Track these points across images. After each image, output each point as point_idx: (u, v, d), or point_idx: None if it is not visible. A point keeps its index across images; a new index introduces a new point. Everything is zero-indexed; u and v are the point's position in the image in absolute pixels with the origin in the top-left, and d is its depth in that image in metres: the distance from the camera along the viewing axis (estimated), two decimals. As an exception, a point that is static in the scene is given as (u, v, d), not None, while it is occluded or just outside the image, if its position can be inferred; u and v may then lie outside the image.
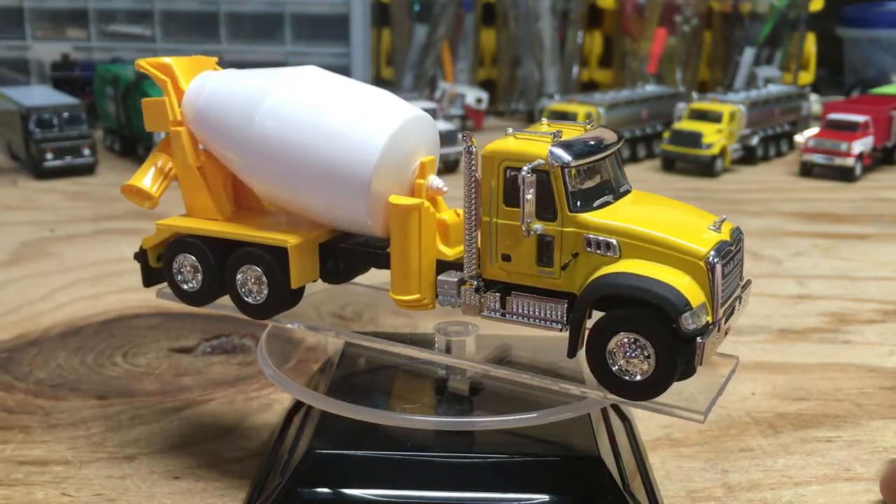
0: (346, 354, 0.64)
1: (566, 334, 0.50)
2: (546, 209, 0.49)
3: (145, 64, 0.60)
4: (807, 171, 1.75)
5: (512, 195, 0.49)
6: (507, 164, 0.49)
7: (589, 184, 0.50)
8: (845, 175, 1.70)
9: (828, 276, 1.11)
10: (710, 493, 0.61)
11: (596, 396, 0.51)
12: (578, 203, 0.48)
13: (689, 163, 1.78)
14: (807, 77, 2.49)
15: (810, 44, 2.48)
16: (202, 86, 0.58)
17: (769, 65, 2.41)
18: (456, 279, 0.52)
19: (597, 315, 0.50)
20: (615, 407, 0.64)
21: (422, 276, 0.53)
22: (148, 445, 0.67)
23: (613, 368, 0.48)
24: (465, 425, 0.54)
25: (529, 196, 0.47)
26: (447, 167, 1.75)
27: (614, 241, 0.47)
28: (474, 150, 0.50)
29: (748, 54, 2.37)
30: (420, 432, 0.54)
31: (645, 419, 0.71)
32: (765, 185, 1.69)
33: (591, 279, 0.48)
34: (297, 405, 0.64)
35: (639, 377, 0.47)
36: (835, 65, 2.72)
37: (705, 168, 1.75)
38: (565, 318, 0.49)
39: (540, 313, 0.50)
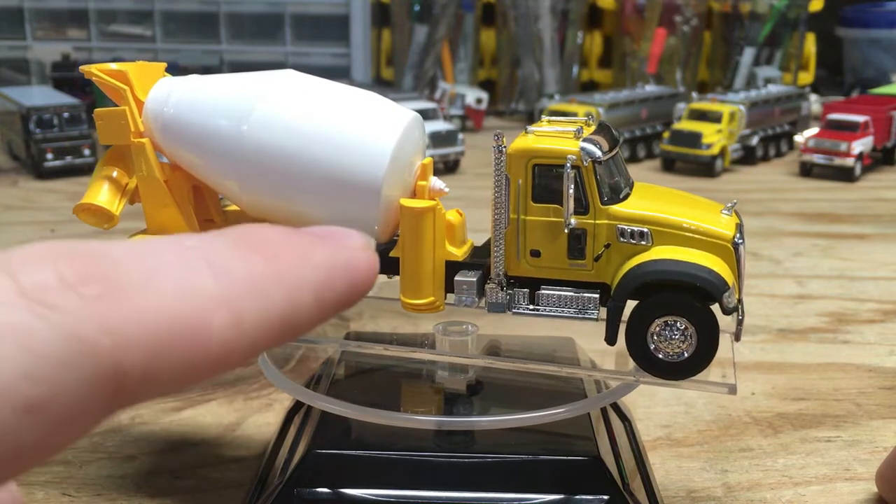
0: (346, 354, 0.64)
1: (563, 329, 0.51)
2: (578, 203, 0.50)
3: (97, 71, 0.54)
4: (806, 171, 1.75)
5: (541, 192, 0.50)
6: (536, 161, 0.50)
7: (612, 177, 0.51)
8: (845, 175, 1.70)
9: (827, 276, 1.11)
10: (710, 493, 0.61)
11: (627, 379, 0.53)
12: (608, 196, 0.50)
13: (689, 163, 1.78)
14: (806, 77, 2.49)
15: (810, 44, 2.48)
16: (168, 93, 0.54)
17: (769, 65, 2.41)
18: (475, 278, 0.52)
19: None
20: (615, 407, 0.64)
21: (434, 278, 0.53)
22: (148, 445, 0.67)
23: (659, 355, 0.50)
24: (465, 425, 0.54)
25: (572, 191, 0.49)
26: (447, 167, 1.76)
27: (647, 230, 0.49)
28: (504, 148, 0.50)
29: (748, 54, 2.37)
30: (420, 432, 0.54)
31: (645, 419, 0.72)
32: (764, 185, 1.69)
33: (630, 267, 0.49)
34: (297, 405, 0.64)
35: (682, 357, 0.49)
36: (834, 65, 2.72)
37: (705, 168, 1.75)
38: (599, 308, 0.51)
39: (574, 305, 0.51)
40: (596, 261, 0.50)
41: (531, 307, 0.52)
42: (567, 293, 0.51)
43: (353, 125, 0.52)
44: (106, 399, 0.21)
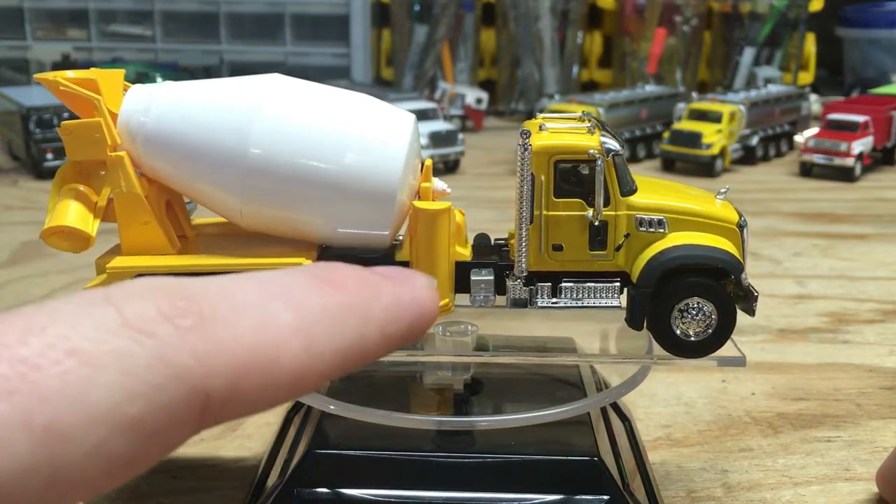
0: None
1: (562, 329, 0.52)
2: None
3: (64, 80, 0.49)
4: (806, 171, 1.75)
5: (563, 187, 0.52)
6: (558, 157, 0.51)
7: (625, 171, 0.53)
8: (845, 175, 1.70)
9: (827, 276, 1.11)
10: (710, 493, 0.61)
11: (646, 362, 0.55)
12: (626, 188, 0.52)
13: (689, 163, 1.78)
14: (807, 77, 2.49)
15: (810, 44, 2.48)
16: (147, 103, 0.50)
17: (769, 65, 2.41)
18: (492, 276, 0.52)
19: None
20: (615, 407, 0.64)
21: (448, 280, 0.53)
22: (148, 445, 0.67)
23: (687, 336, 0.52)
24: (465, 425, 0.54)
25: (603, 184, 0.51)
26: (447, 167, 1.75)
27: (664, 218, 0.52)
28: (530, 146, 0.51)
29: (748, 54, 2.37)
30: (420, 432, 0.54)
31: (645, 419, 0.72)
32: (764, 185, 1.69)
33: (652, 254, 0.51)
34: (297, 405, 0.64)
35: (704, 335, 0.52)
36: (835, 65, 2.72)
37: (705, 168, 1.75)
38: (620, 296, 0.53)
39: (598, 295, 0.53)
40: (617, 251, 0.52)
41: (554, 300, 0.53)
42: (590, 284, 0.53)
43: (361, 131, 0.51)
44: (193, 418, 0.24)
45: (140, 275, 0.50)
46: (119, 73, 0.53)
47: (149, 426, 0.23)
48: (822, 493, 0.62)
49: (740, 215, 0.54)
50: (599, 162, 0.50)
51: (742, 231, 0.53)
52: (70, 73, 0.50)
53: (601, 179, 0.50)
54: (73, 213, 0.50)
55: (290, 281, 0.28)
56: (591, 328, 0.61)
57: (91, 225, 0.51)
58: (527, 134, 0.50)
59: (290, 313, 0.26)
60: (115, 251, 0.53)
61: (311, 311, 0.27)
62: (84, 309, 0.23)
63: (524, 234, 0.51)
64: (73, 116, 0.52)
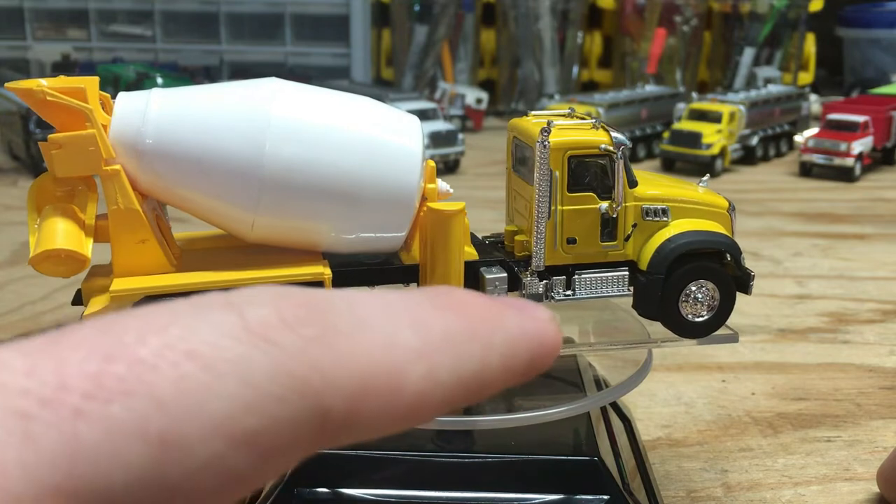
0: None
1: (562, 329, 0.52)
2: (609, 189, 0.53)
3: (51, 90, 0.44)
4: (806, 171, 1.75)
5: (575, 181, 0.53)
6: (572, 153, 0.52)
7: (629, 164, 0.54)
8: (845, 175, 1.70)
9: (827, 276, 1.11)
10: (710, 493, 0.61)
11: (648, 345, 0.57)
12: (632, 180, 0.54)
13: (689, 163, 1.78)
14: (806, 77, 2.49)
15: (810, 44, 2.49)
16: (143, 112, 0.47)
17: (769, 65, 2.41)
18: (505, 274, 0.53)
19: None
20: (615, 407, 0.64)
21: (459, 280, 0.52)
22: (148, 445, 0.67)
23: (698, 318, 0.54)
24: (465, 424, 0.54)
25: (621, 176, 0.53)
26: (447, 167, 1.75)
27: (667, 207, 0.54)
28: (549, 144, 0.51)
29: (748, 54, 2.37)
30: (420, 432, 0.54)
31: (645, 419, 0.72)
32: (764, 185, 1.69)
33: (661, 241, 0.53)
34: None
35: (710, 313, 0.54)
36: (835, 65, 2.72)
37: (705, 168, 1.75)
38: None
39: (610, 284, 0.54)
40: (626, 240, 0.54)
41: (568, 292, 0.54)
42: (601, 274, 0.54)
43: (376, 135, 0.50)
44: (309, 437, 0.22)
45: (148, 297, 0.47)
46: (94, 81, 0.48)
47: (266, 442, 0.21)
48: (822, 493, 0.62)
49: (729, 201, 0.56)
50: (619, 154, 0.52)
51: (732, 215, 0.56)
52: (44, 82, 0.45)
53: (620, 173, 0.52)
54: (63, 235, 0.46)
55: (412, 302, 0.26)
56: (591, 326, 0.61)
57: (86, 246, 0.47)
58: (547, 131, 0.51)
59: (413, 335, 0.25)
60: (99, 272, 0.50)
61: (435, 336, 0.25)
62: (204, 311, 0.22)
63: (542, 229, 0.52)
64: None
